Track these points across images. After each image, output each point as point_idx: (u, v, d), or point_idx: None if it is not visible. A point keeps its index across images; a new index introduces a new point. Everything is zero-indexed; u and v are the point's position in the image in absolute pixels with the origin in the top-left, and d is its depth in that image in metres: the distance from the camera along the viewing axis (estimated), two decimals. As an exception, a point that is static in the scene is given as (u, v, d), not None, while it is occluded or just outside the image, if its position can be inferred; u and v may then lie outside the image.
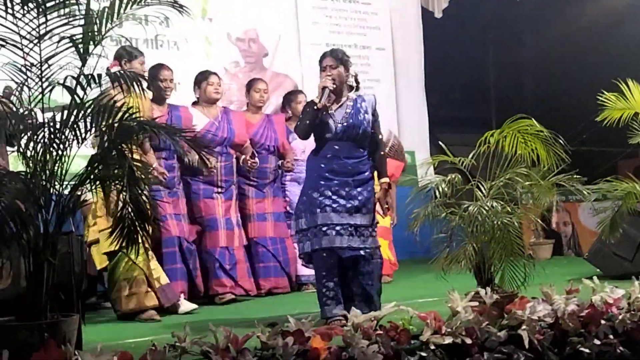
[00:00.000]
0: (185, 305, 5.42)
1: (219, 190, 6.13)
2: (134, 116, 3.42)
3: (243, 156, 6.27)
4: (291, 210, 6.49)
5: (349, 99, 4.72)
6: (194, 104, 6.26)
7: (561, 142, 4.57)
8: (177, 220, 5.75)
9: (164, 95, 5.90)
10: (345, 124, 4.64)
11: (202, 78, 6.22)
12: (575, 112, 9.55)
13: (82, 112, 3.32)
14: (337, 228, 4.53)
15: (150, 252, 5.16)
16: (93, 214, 5.25)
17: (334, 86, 4.65)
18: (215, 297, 5.97)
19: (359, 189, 4.61)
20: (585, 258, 7.06)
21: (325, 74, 4.68)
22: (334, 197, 4.57)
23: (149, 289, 5.19)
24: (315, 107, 4.59)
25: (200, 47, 8.04)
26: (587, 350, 3.99)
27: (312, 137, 4.76)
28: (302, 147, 6.55)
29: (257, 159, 6.33)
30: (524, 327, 3.89)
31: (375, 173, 4.78)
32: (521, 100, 11.26)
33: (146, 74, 5.41)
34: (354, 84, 4.83)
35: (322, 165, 4.62)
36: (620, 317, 4.18)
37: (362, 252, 4.56)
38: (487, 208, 4.38)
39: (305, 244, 4.64)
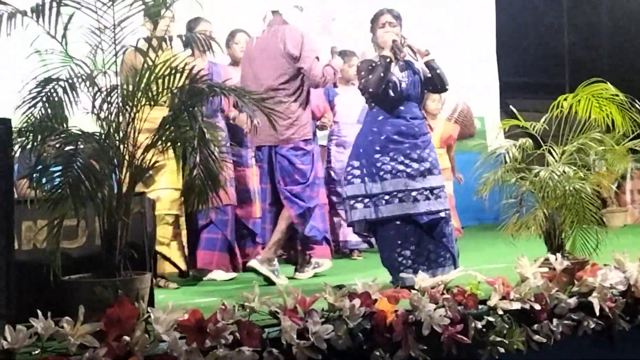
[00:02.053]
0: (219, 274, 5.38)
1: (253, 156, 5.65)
2: (203, 78, 3.45)
3: None
4: (336, 176, 6.48)
5: (402, 60, 4.65)
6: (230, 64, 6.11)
7: (638, 106, 4.45)
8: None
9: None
10: (407, 82, 4.58)
11: (229, 37, 6.11)
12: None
13: (154, 74, 3.36)
14: (414, 194, 4.43)
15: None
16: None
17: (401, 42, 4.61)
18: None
19: (427, 151, 4.56)
20: (660, 226, 6.91)
21: (385, 30, 4.62)
22: (407, 161, 4.47)
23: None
24: (388, 60, 4.52)
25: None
26: (659, 319, 3.92)
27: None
28: (347, 111, 6.49)
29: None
30: (594, 294, 3.84)
31: None
32: (596, 65, 10.96)
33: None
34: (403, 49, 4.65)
35: (389, 127, 4.52)
36: (695, 286, 4.08)
37: (442, 214, 4.49)
38: (558, 173, 4.31)
39: (363, 210, 4.46)
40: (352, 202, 4.50)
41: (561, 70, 11.62)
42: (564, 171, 4.33)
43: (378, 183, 4.45)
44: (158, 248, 4.81)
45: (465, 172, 6.03)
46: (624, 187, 9.31)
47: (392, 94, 4.54)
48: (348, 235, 6.52)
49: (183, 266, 5.19)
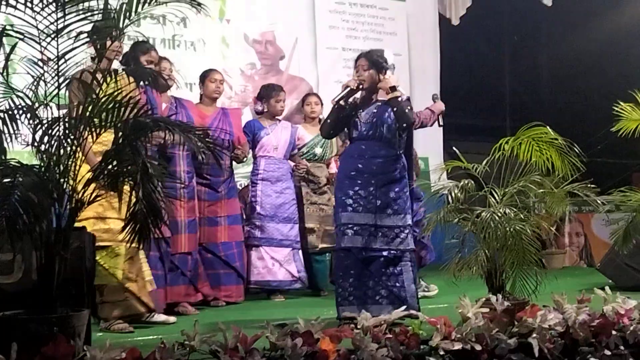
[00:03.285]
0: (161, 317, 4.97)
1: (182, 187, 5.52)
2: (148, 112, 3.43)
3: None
4: (262, 211, 6.34)
5: (379, 100, 4.75)
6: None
7: (576, 150, 4.55)
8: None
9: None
10: (370, 123, 4.68)
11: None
12: (591, 122, 9.51)
13: (97, 107, 3.32)
14: (355, 228, 4.57)
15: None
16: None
17: (357, 87, 4.70)
18: (175, 306, 5.47)
19: (382, 189, 4.61)
20: (597, 269, 7.02)
21: (355, 73, 4.73)
22: (355, 197, 4.60)
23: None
24: (334, 105, 4.69)
25: (216, 48, 8.06)
26: (597, 361, 3.97)
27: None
28: (275, 144, 6.47)
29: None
30: (534, 335, 3.86)
31: None
32: (537, 110, 11.20)
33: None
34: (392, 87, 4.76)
35: (348, 165, 4.71)
36: (631, 328, 4.14)
37: (384, 253, 4.55)
38: (500, 214, 4.36)
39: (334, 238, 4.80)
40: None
41: (503, 114, 11.86)
42: (505, 212, 4.39)
43: (337, 216, 4.71)
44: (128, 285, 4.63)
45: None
46: (562, 230, 9.47)
47: (353, 135, 4.77)
48: (272, 274, 6.35)
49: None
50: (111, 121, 3.34)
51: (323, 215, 6.65)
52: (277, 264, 6.35)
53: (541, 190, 4.59)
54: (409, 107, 4.70)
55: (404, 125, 4.71)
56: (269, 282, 6.34)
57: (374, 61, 4.75)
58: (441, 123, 6.24)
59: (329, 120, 4.82)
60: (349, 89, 4.71)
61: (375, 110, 4.73)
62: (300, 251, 6.51)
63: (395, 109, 4.67)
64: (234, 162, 6.22)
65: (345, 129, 4.91)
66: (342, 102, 4.72)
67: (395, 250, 4.58)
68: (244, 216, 6.45)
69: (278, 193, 6.41)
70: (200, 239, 5.88)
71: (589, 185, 4.66)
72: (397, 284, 4.57)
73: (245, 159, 6.27)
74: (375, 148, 4.67)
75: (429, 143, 9.80)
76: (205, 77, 6.12)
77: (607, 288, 4.41)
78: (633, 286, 5.89)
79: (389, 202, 4.61)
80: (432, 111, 6.06)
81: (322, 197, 6.69)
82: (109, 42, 3.43)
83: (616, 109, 5.45)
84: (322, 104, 6.78)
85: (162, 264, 5.32)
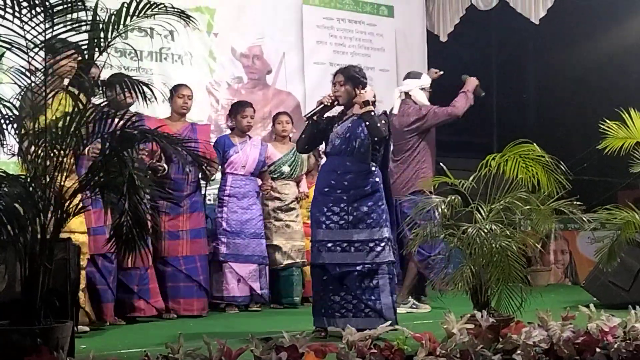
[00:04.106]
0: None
1: None
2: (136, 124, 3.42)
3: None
4: (228, 227, 6.36)
5: (354, 115, 4.76)
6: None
7: (562, 168, 4.57)
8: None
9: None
10: (343, 137, 4.69)
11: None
12: (577, 139, 9.55)
13: (84, 118, 3.31)
14: (329, 245, 4.62)
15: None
16: None
17: (331, 103, 4.73)
18: (135, 318, 5.60)
19: (354, 204, 4.63)
20: (582, 286, 7.04)
21: (332, 88, 4.75)
22: (328, 213, 4.65)
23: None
24: (306, 120, 4.73)
25: (204, 62, 8.04)
26: (581, 378, 3.97)
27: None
28: (243, 161, 6.50)
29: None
30: (518, 351, 3.86)
31: None
32: (523, 127, 11.24)
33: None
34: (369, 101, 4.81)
35: (322, 181, 4.74)
36: (615, 345, 4.14)
37: (358, 268, 4.57)
38: (485, 231, 4.37)
39: (313, 255, 4.74)
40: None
41: (490, 130, 11.88)
42: (491, 229, 4.40)
43: (313, 233, 4.75)
44: None
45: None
46: (548, 247, 9.50)
47: (327, 150, 4.82)
48: (235, 290, 6.37)
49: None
50: (98, 132, 3.33)
51: (290, 232, 6.77)
52: (242, 280, 6.37)
53: (527, 207, 4.60)
54: (382, 121, 4.76)
55: (376, 139, 4.73)
56: (233, 297, 6.36)
57: (350, 76, 4.79)
58: (483, 93, 6.73)
59: (303, 136, 4.86)
60: (322, 105, 4.76)
61: (349, 125, 4.76)
62: (267, 267, 6.55)
63: (367, 123, 4.71)
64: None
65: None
66: (314, 118, 4.76)
67: (371, 263, 4.62)
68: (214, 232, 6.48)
69: (244, 209, 6.46)
70: (161, 252, 5.98)
71: (574, 203, 4.67)
72: (373, 297, 4.61)
73: (213, 175, 6.28)
74: (347, 164, 4.71)
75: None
76: (173, 92, 6.21)
77: (591, 305, 4.42)
78: (617, 304, 5.89)
79: (362, 216, 4.66)
80: (466, 93, 6.52)
81: (288, 214, 6.80)
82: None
83: (602, 126, 5.48)
84: (292, 123, 6.96)
85: (105, 279, 5.30)
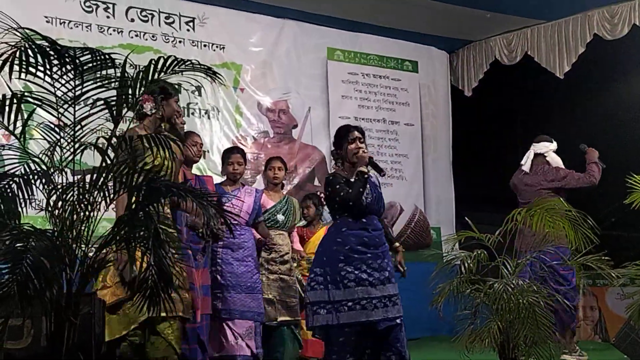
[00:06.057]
0: None
1: None
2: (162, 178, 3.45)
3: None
4: (222, 281, 5.88)
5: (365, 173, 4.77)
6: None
7: (590, 223, 4.53)
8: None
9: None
10: (371, 197, 4.69)
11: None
12: (605, 194, 9.47)
13: (112, 174, 3.34)
14: (374, 302, 4.54)
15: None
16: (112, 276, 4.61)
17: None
18: None
19: (386, 260, 4.66)
20: (612, 343, 6.91)
21: (356, 145, 4.74)
22: (369, 270, 4.59)
23: None
24: (365, 176, 4.66)
25: (230, 116, 8.13)
26: None
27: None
28: (237, 210, 5.86)
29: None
30: (548, 410, 3.79)
31: None
32: (549, 181, 11.18)
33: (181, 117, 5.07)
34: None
35: (353, 239, 4.63)
36: (648, 404, 4.07)
37: (397, 321, 4.57)
38: (512, 286, 4.32)
39: (326, 316, 4.54)
40: (315, 307, 4.59)
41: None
42: (517, 283, 4.35)
43: (341, 290, 4.55)
44: None
45: (421, 282, 5.97)
46: (577, 303, 9.35)
47: (359, 207, 4.67)
48: (239, 349, 5.87)
49: None
50: (125, 187, 3.36)
51: (283, 286, 6.28)
52: (239, 337, 5.90)
53: (555, 262, 4.55)
54: None
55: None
56: (234, 356, 5.87)
57: (363, 133, 4.84)
58: (604, 165, 6.98)
59: (360, 189, 4.65)
60: (372, 159, 4.77)
61: (372, 185, 4.76)
62: (261, 325, 6.07)
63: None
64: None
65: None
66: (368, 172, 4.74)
67: (399, 316, 4.60)
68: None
69: (239, 261, 5.98)
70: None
71: (603, 258, 4.62)
72: (405, 348, 4.58)
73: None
74: (374, 222, 4.72)
75: (441, 213, 9.82)
76: (185, 139, 5.67)
77: (622, 363, 4.34)
78: (649, 361, 5.79)
79: (392, 271, 4.69)
80: (597, 163, 6.88)
81: (283, 267, 6.33)
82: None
83: (629, 181, 5.44)
84: (285, 170, 6.55)
85: None
